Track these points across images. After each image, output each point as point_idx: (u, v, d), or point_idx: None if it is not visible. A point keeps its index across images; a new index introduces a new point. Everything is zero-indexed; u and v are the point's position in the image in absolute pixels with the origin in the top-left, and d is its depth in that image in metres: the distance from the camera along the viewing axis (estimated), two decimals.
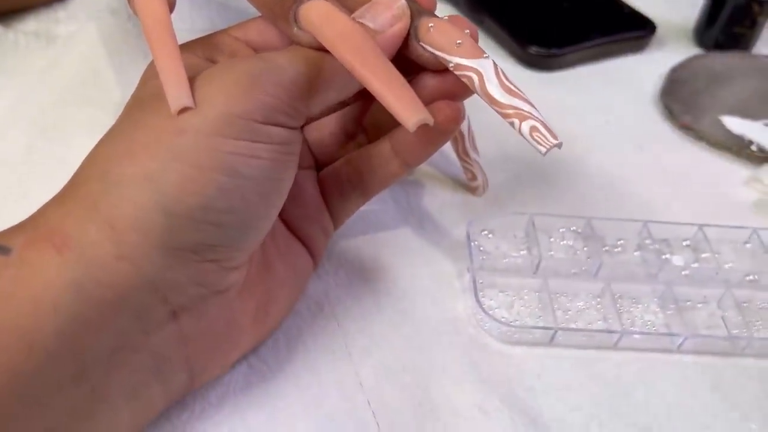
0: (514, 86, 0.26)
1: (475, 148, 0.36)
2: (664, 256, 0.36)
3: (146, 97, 0.24)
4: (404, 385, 0.29)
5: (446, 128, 0.28)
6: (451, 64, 0.26)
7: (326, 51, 0.25)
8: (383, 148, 0.30)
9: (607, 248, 0.36)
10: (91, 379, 0.22)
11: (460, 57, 0.26)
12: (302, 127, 0.32)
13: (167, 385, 0.25)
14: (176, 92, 0.22)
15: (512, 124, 0.25)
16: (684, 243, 0.36)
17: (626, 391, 0.30)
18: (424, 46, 0.26)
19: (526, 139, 0.25)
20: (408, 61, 0.27)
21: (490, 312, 0.31)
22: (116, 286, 0.21)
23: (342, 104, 0.32)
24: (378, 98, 0.23)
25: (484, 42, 0.52)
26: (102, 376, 0.22)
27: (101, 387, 0.22)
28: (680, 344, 0.31)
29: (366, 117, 0.33)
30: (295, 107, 0.24)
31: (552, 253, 0.36)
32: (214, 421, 0.27)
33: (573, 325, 0.32)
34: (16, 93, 0.41)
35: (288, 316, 0.31)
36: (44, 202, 0.23)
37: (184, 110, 0.22)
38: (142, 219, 0.22)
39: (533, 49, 0.49)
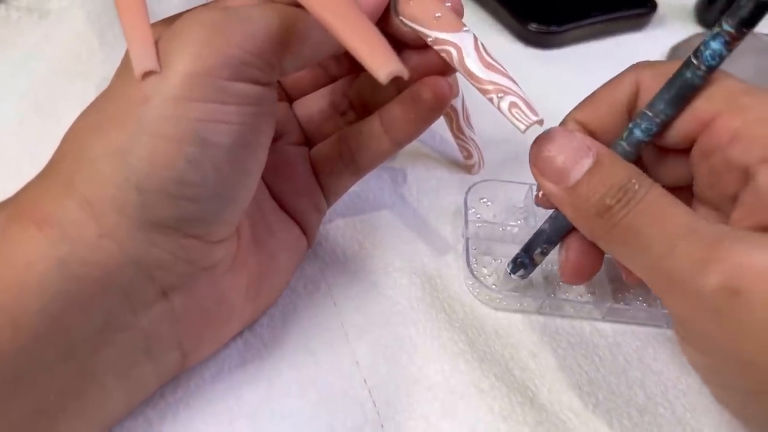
0: (495, 61, 0.25)
1: (470, 125, 0.36)
2: None
3: (121, 66, 0.23)
4: (401, 363, 0.29)
5: (435, 105, 0.27)
6: (429, 39, 0.25)
7: (300, 7, 0.24)
8: (373, 125, 0.29)
9: None
10: (79, 358, 0.21)
11: (439, 31, 0.25)
12: (291, 100, 0.32)
13: (159, 364, 0.25)
14: (140, 54, 0.21)
15: (491, 100, 0.24)
16: None
17: (622, 370, 0.30)
18: (404, 20, 0.26)
19: (505, 116, 0.24)
20: (390, 40, 0.26)
21: (482, 279, 0.31)
22: (102, 264, 0.21)
23: (331, 79, 0.32)
24: (350, 51, 0.21)
25: (483, 18, 0.52)
26: (90, 355, 0.22)
27: (89, 366, 0.22)
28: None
29: (350, 90, 0.32)
30: (265, 59, 0.22)
31: None
32: (208, 398, 0.27)
33: (563, 296, 0.32)
34: (8, 68, 0.41)
35: (283, 294, 0.31)
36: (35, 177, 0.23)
37: (148, 74, 0.21)
38: (117, 196, 0.21)
39: (533, 26, 0.48)
